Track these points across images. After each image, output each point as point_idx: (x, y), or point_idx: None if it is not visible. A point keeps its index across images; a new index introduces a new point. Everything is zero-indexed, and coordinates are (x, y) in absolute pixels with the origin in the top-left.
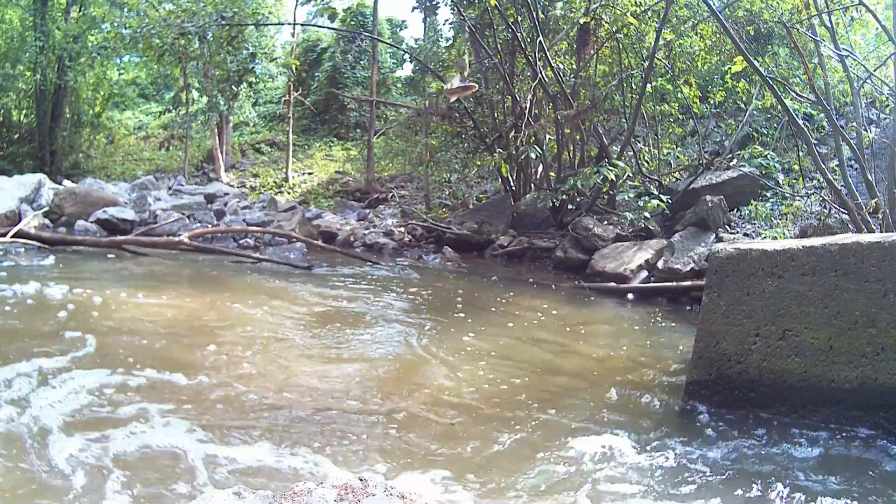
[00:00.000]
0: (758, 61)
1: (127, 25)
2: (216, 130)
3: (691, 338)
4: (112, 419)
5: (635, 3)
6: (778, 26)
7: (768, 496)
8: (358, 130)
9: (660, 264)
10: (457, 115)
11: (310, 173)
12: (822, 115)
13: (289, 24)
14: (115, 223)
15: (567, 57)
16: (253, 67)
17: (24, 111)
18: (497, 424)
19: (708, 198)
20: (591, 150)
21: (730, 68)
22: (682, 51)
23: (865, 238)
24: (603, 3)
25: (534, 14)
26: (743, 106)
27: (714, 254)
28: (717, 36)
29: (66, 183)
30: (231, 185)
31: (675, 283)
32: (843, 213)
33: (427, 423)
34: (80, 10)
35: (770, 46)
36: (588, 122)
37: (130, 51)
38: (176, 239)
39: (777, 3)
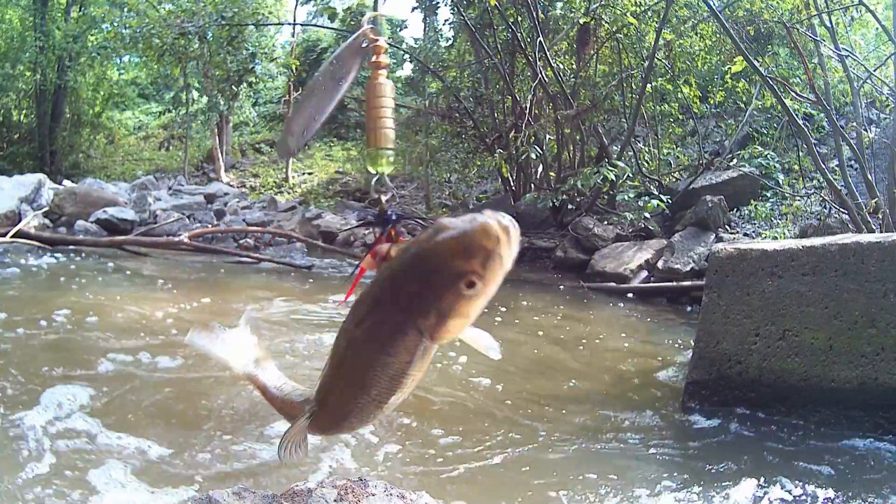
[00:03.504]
0: (758, 61)
1: (127, 25)
2: (216, 130)
3: (691, 338)
4: (109, 420)
5: (635, 3)
6: (778, 26)
7: (768, 497)
8: (358, 130)
9: (660, 264)
10: (457, 115)
11: (310, 173)
12: (822, 115)
13: (289, 23)
14: (115, 223)
15: (567, 57)
16: (253, 67)
17: (24, 111)
18: (495, 424)
19: (708, 198)
20: (591, 150)
21: (730, 68)
22: (682, 51)
23: (865, 238)
24: (603, 3)
25: (534, 14)
26: (743, 106)
27: (714, 254)
28: (717, 36)
29: (66, 183)
30: (231, 185)
31: (675, 283)
32: (843, 213)
33: (424, 423)
34: (80, 10)
35: (770, 46)
36: (588, 122)
37: (130, 51)
38: (176, 239)
39: (777, 3)
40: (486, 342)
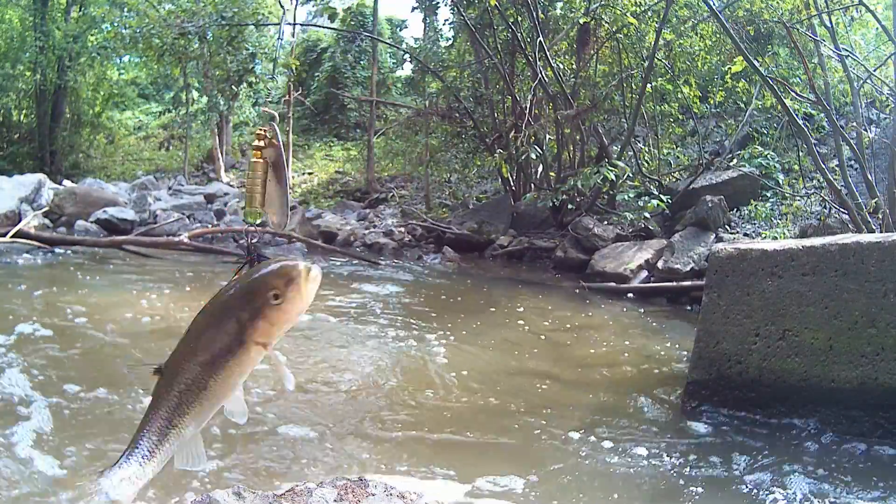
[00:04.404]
0: (758, 61)
1: (127, 25)
2: (216, 130)
3: (691, 338)
4: (108, 422)
5: (635, 3)
6: (778, 26)
7: (768, 497)
8: (358, 130)
9: (660, 264)
10: (457, 115)
11: (310, 173)
12: (822, 115)
13: (289, 24)
14: (115, 223)
15: (567, 57)
16: (253, 67)
17: (24, 111)
18: (496, 424)
19: (708, 198)
20: (591, 150)
21: (730, 68)
22: (682, 51)
23: (865, 238)
24: (603, 3)
25: (534, 14)
26: (743, 106)
27: (714, 254)
28: (717, 36)
29: (66, 183)
30: (231, 185)
31: (675, 283)
32: (843, 213)
33: (424, 424)
34: (80, 10)
35: (770, 46)
36: (588, 122)
37: (130, 51)
38: (176, 239)
39: (777, 3)
40: (284, 372)
